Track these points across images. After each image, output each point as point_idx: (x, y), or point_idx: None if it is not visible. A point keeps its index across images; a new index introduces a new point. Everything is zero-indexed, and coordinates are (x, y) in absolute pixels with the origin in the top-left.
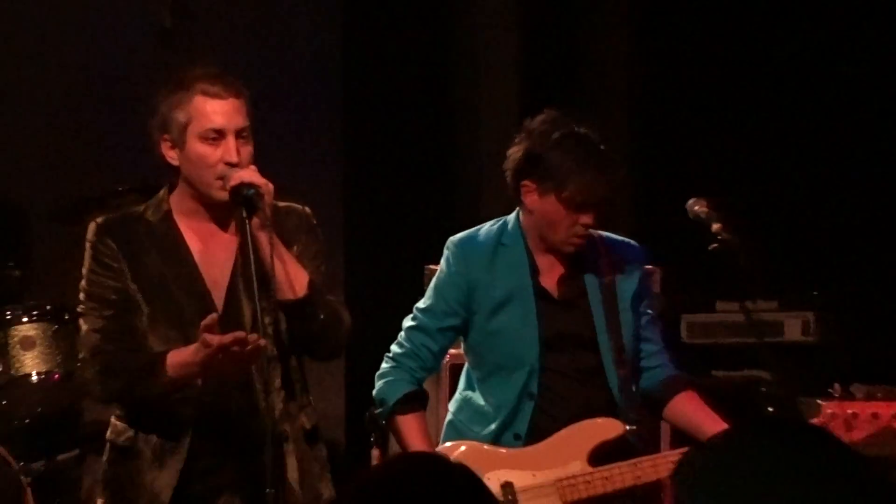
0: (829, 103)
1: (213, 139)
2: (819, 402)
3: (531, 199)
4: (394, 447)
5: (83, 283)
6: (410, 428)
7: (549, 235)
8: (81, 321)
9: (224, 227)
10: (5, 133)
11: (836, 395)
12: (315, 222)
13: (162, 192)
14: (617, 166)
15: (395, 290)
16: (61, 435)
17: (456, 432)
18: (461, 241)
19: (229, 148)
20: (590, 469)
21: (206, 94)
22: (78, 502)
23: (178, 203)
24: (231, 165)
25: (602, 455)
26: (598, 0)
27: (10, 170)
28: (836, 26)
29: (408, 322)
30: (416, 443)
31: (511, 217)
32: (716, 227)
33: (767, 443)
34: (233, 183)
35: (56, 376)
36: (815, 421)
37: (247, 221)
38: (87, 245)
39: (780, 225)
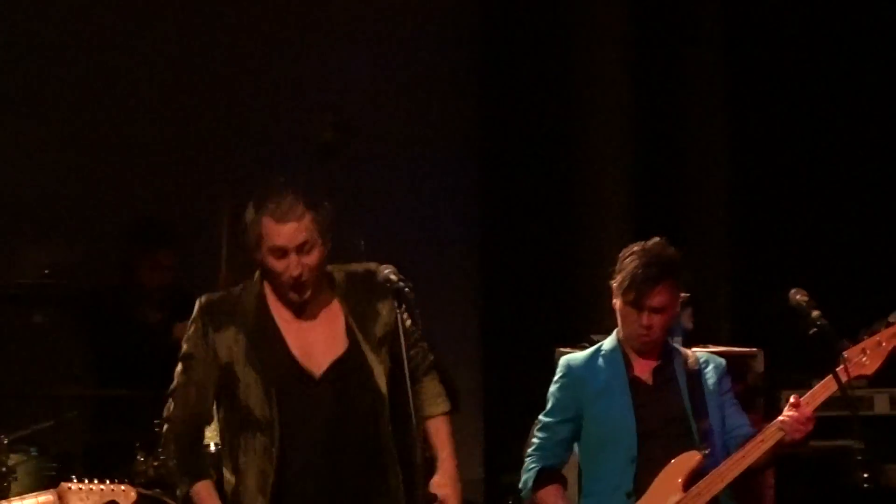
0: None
1: (279, 256)
2: None
3: (615, 300)
4: None
5: (185, 349)
6: (548, 493)
7: (623, 331)
8: (175, 380)
9: (314, 304)
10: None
11: None
12: None
13: (257, 276)
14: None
15: (528, 369)
16: None
17: None
18: (566, 357)
19: (297, 264)
20: (683, 495)
21: (272, 217)
22: None
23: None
24: (293, 277)
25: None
26: (700, 128)
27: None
28: None
29: (536, 424)
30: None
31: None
32: (815, 314)
33: None
34: (387, 279)
35: None
36: None
37: (398, 311)
38: (192, 321)
39: (867, 310)
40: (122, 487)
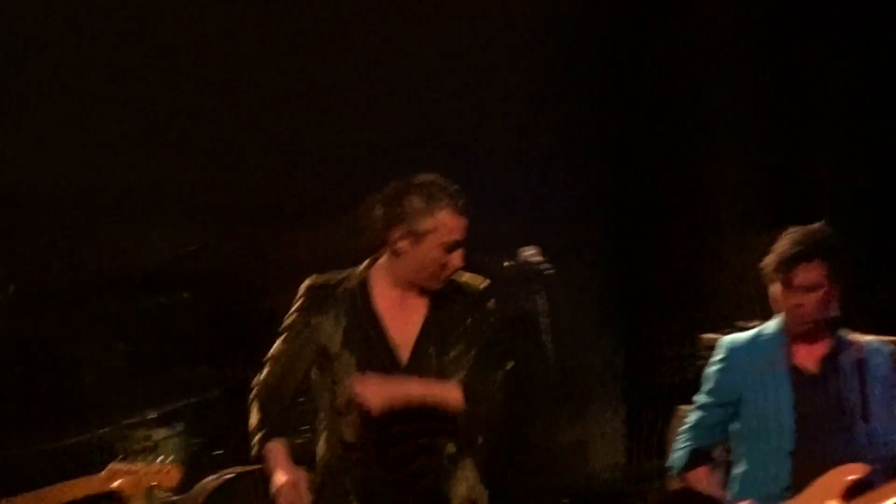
0: None
1: (450, 249)
2: None
3: (769, 284)
4: None
5: (286, 322)
6: (699, 475)
7: (788, 319)
8: (272, 349)
9: (415, 294)
10: None
11: None
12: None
13: (365, 264)
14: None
15: (670, 355)
16: None
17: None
18: (728, 338)
19: (460, 256)
20: None
21: (453, 210)
22: None
23: (381, 275)
24: (456, 268)
25: (858, 493)
26: (838, 118)
27: None
28: None
29: (693, 404)
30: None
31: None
32: None
33: None
34: (527, 261)
35: None
36: None
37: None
38: (297, 298)
39: None
40: (166, 468)
